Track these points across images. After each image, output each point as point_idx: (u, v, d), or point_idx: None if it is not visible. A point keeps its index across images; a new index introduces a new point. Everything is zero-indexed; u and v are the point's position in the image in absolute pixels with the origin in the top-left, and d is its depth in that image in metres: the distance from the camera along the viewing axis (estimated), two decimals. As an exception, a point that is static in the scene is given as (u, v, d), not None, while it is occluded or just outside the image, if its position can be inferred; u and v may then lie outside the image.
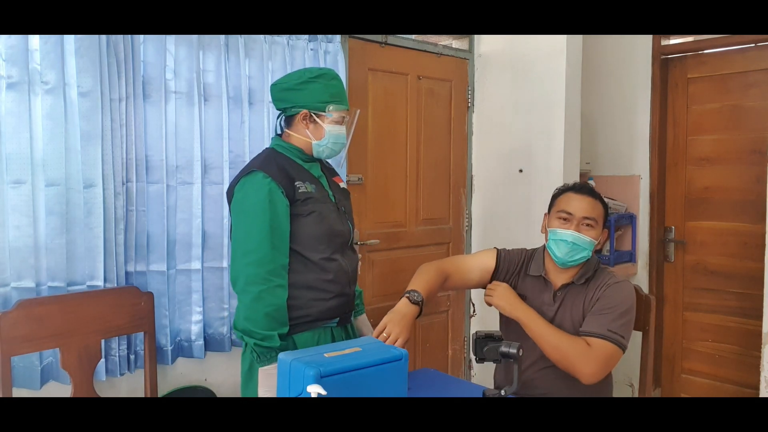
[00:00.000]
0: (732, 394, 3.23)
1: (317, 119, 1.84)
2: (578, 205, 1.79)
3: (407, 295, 1.74)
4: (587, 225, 1.78)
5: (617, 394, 1.99)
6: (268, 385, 1.69)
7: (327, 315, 1.84)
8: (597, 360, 1.67)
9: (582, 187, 1.85)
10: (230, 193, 1.83)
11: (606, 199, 3.37)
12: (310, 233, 1.79)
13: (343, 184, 2.01)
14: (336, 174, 2.02)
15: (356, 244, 2.55)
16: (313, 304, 1.80)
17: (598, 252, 3.35)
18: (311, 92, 1.82)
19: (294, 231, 1.78)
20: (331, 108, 1.83)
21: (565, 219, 1.79)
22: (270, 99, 2.34)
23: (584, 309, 1.78)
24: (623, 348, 1.71)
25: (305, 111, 1.83)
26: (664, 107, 3.45)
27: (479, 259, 1.99)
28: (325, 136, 1.84)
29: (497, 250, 1.98)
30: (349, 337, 1.92)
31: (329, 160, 2.02)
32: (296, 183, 1.79)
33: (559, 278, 1.85)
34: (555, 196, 1.88)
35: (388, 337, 1.63)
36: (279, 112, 1.91)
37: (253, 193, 1.74)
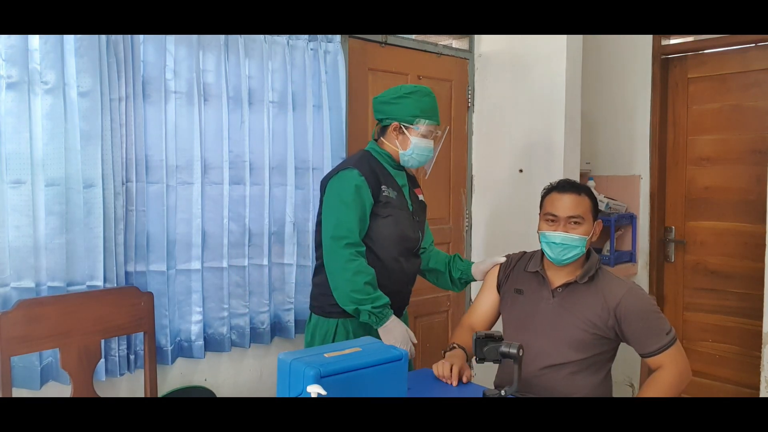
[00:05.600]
0: (732, 394, 3.23)
1: (405, 131, 2.01)
2: (562, 204, 1.82)
3: (444, 353, 1.89)
4: (574, 223, 1.81)
5: (617, 394, 1.99)
6: (388, 339, 1.88)
7: None
8: (678, 367, 1.75)
9: (565, 185, 1.87)
10: (324, 184, 2.01)
11: (606, 199, 3.40)
12: (383, 234, 1.97)
13: (421, 197, 2.18)
14: (418, 186, 2.20)
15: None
16: None
17: (599, 251, 3.36)
18: (403, 106, 2.00)
19: (371, 229, 1.96)
20: (418, 122, 2.00)
21: (551, 220, 1.83)
22: (270, 99, 2.37)
23: (599, 314, 1.78)
24: (676, 336, 1.78)
25: (396, 123, 2.02)
26: (664, 107, 3.45)
27: (485, 284, 2.06)
28: (411, 147, 2.01)
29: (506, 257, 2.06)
30: None
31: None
32: (382, 186, 1.98)
33: (557, 275, 1.86)
34: (542, 197, 1.91)
35: (451, 366, 1.75)
36: (377, 121, 2.10)
37: (348, 185, 1.92)
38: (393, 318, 1.91)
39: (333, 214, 1.93)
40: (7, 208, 1.85)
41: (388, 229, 1.98)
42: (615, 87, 3.50)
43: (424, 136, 2.01)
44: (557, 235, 1.80)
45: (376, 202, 1.95)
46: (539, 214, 1.90)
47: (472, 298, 3.28)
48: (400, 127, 2.01)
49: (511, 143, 3.10)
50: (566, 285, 1.83)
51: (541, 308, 1.84)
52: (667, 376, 1.73)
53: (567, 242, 1.80)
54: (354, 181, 1.92)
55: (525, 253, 2.01)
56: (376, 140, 2.09)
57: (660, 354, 1.74)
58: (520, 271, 1.95)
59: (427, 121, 2.00)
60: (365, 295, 1.86)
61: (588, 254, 1.88)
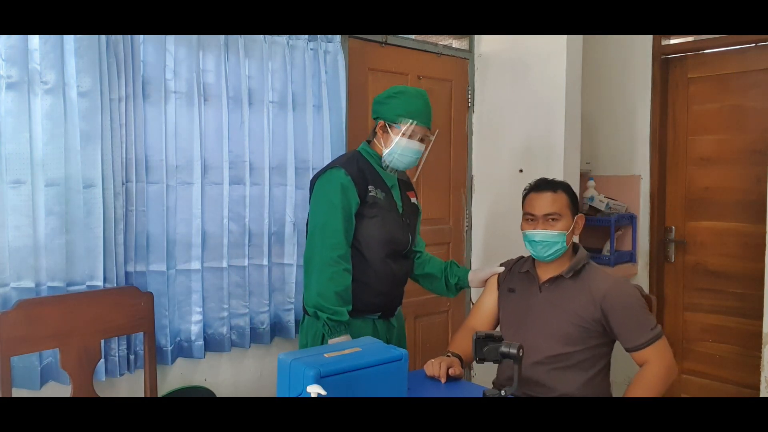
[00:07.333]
0: (732, 394, 3.23)
1: (389, 130, 2.00)
2: (538, 203, 1.89)
3: None
4: (552, 220, 1.86)
5: (617, 394, 1.99)
6: None
7: (369, 308, 2.01)
8: (664, 361, 1.77)
9: (541, 184, 1.93)
10: (312, 183, 2.01)
11: (606, 199, 3.40)
12: (370, 235, 1.97)
13: (414, 200, 2.17)
14: (412, 189, 2.19)
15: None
16: (358, 296, 1.95)
17: (599, 251, 3.36)
18: (391, 106, 2.01)
19: (357, 230, 1.95)
20: (402, 121, 1.98)
21: (530, 219, 1.90)
22: (270, 99, 2.38)
23: (586, 308, 1.81)
24: (662, 331, 1.80)
25: (382, 122, 2.02)
26: (664, 107, 3.45)
27: (486, 287, 2.09)
28: (393, 145, 1.99)
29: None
30: (391, 328, 2.10)
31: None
32: (369, 187, 1.97)
33: (546, 271, 1.91)
34: (523, 198, 1.96)
35: (440, 364, 1.80)
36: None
37: (334, 185, 1.92)
38: (346, 336, 1.88)
39: (320, 214, 1.93)
40: (7, 208, 1.85)
41: (374, 230, 1.96)
42: (615, 87, 3.50)
43: (409, 137, 1.98)
44: (536, 233, 1.87)
45: (363, 202, 1.94)
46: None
47: (473, 298, 3.29)
48: (386, 126, 2.01)
49: (511, 143, 3.10)
50: (553, 280, 1.88)
51: (531, 304, 1.89)
52: (654, 370, 1.76)
53: (547, 239, 1.85)
54: (340, 181, 1.91)
55: (522, 257, 2.04)
56: (368, 141, 2.09)
57: (645, 348, 1.77)
58: (515, 273, 2.00)
59: (411, 120, 1.97)
60: (330, 304, 1.86)
61: (576, 250, 1.93)
